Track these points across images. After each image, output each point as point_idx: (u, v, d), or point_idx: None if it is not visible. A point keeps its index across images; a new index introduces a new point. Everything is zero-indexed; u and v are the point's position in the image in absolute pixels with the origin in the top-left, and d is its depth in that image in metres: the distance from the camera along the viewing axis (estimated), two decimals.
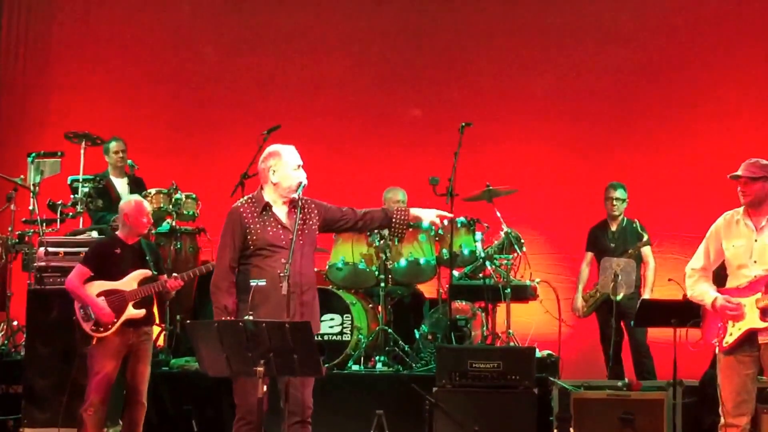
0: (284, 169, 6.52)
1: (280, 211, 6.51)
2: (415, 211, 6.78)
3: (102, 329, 7.69)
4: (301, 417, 6.37)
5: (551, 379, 8.54)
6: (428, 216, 6.79)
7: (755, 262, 6.57)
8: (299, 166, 6.54)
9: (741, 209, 6.68)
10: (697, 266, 6.74)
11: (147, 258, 7.91)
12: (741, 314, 6.50)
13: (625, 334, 9.67)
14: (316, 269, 9.44)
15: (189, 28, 12.15)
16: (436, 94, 11.64)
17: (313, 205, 6.59)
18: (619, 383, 8.50)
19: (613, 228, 9.86)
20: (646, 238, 9.67)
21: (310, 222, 6.54)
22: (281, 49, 11.92)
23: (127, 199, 8.14)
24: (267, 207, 6.50)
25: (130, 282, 7.75)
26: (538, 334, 9.66)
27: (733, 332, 6.53)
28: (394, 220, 6.76)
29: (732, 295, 6.57)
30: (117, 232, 7.98)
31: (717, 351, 6.66)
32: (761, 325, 6.48)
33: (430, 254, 9.40)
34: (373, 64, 11.78)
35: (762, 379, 6.68)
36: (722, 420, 6.57)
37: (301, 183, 6.48)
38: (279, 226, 6.46)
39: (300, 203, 6.47)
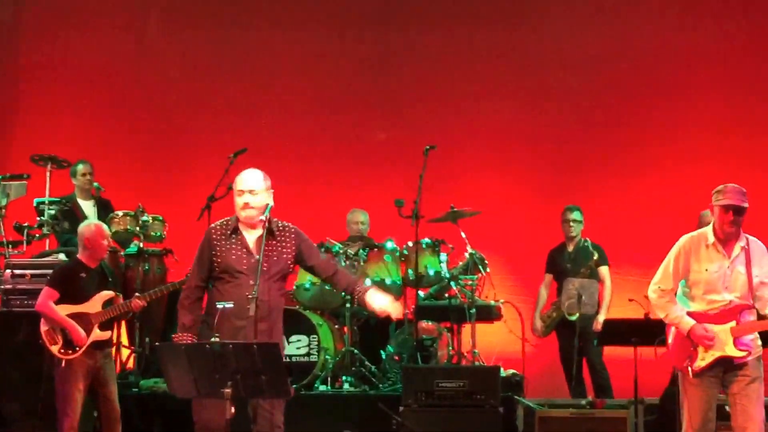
0: (234, 194, 6.59)
1: (250, 235, 6.53)
2: (369, 301, 6.62)
3: (71, 351, 7.73)
4: None
5: (516, 397, 8.66)
6: (379, 305, 6.63)
7: (726, 288, 6.65)
8: (242, 191, 6.50)
9: (707, 234, 6.71)
10: (667, 287, 6.75)
11: (110, 280, 8.00)
12: (713, 345, 6.59)
13: (585, 352, 9.74)
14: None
15: (155, 51, 12.19)
16: (401, 117, 11.75)
17: (292, 235, 6.58)
18: (583, 401, 8.64)
19: (570, 249, 9.97)
20: (596, 256, 9.76)
21: (282, 249, 6.52)
22: (247, 72, 11.98)
23: (87, 223, 8.24)
24: (236, 230, 6.55)
25: (94, 304, 7.82)
26: (503, 354, 9.73)
27: (706, 357, 6.62)
28: (353, 297, 6.72)
29: (703, 321, 6.64)
30: (78, 256, 8.04)
31: (681, 373, 6.75)
32: (737, 354, 6.60)
33: (395, 275, 9.47)
34: (339, 88, 11.86)
35: (720, 396, 6.79)
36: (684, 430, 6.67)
37: (247, 205, 6.46)
38: (244, 250, 6.48)
39: (276, 229, 6.50)
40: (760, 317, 6.71)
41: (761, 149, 11.02)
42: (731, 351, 6.59)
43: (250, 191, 6.50)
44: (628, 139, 11.35)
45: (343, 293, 8.17)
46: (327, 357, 9.34)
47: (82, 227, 8.08)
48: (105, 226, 8.14)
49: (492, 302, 9.63)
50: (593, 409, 8.46)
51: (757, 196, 10.38)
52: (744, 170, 10.64)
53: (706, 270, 6.66)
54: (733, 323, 6.62)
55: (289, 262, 6.54)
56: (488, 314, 9.58)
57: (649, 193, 11.13)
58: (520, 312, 9.83)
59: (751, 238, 6.75)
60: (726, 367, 6.65)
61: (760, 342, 6.76)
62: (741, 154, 10.98)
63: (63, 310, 7.80)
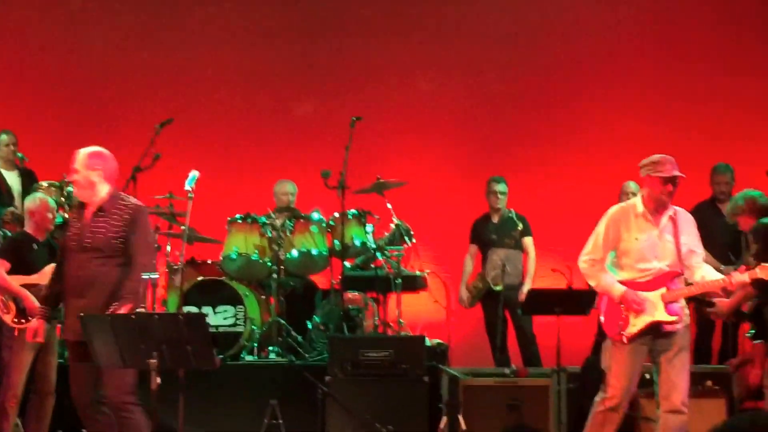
0: None
1: (89, 211, 6.58)
2: None
3: (24, 320, 7.73)
4: (118, 401, 6.41)
5: (441, 367, 8.71)
6: None
7: (656, 256, 6.83)
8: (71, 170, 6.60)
9: (636, 204, 6.89)
10: (597, 256, 6.90)
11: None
12: (643, 309, 6.75)
13: (509, 322, 9.87)
14: (210, 261, 9.64)
15: (81, 21, 12.01)
16: (327, 89, 11.70)
17: (128, 212, 6.52)
18: (507, 370, 8.72)
19: (495, 220, 10.04)
20: (521, 227, 9.87)
21: (109, 225, 6.49)
22: (174, 43, 11.87)
23: (32, 197, 8.32)
24: (82, 206, 6.62)
25: (44, 276, 7.79)
26: (428, 324, 9.80)
27: (637, 323, 6.78)
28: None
29: (635, 288, 6.80)
30: (26, 228, 8.09)
31: (611, 340, 6.90)
32: (668, 318, 6.77)
33: (322, 245, 9.47)
34: (266, 60, 11.78)
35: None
36: (609, 402, 6.83)
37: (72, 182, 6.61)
38: (78, 226, 6.55)
39: (112, 206, 6.50)
40: (688, 284, 6.90)
41: (686, 120, 11.13)
42: (662, 316, 6.77)
43: (73, 169, 6.60)
44: (553, 112, 11.43)
45: None
46: (253, 327, 9.34)
47: (28, 201, 8.20)
48: (50, 200, 8.22)
49: (417, 273, 9.67)
50: (517, 378, 8.57)
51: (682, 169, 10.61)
52: (669, 142, 10.82)
53: (636, 239, 6.83)
54: (663, 290, 6.80)
55: (112, 236, 6.46)
56: (414, 284, 9.62)
57: (573, 166, 11.24)
58: (445, 282, 9.90)
59: (677, 208, 6.93)
60: (655, 335, 6.81)
61: (687, 311, 6.94)
62: (666, 126, 11.09)
63: (16, 281, 7.84)
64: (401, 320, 9.40)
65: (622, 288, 6.82)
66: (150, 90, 11.73)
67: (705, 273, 6.87)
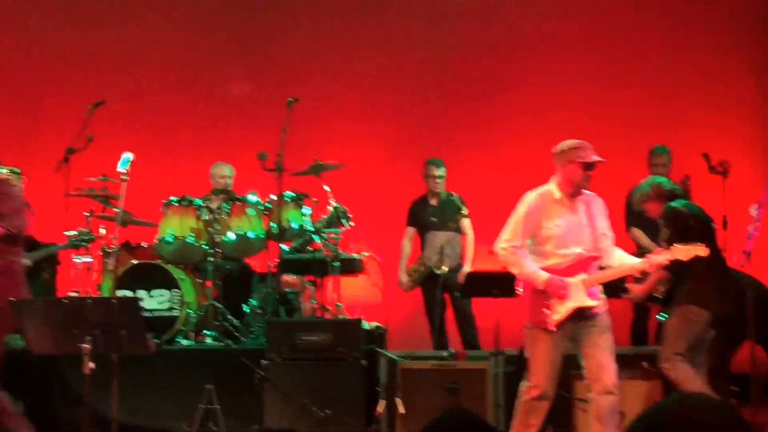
0: None
1: None
2: None
3: None
4: None
5: (378, 350, 8.69)
6: None
7: (574, 241, 6.85)
8: None
9: (552, 190, 6.89)
10: (517, 243, 6.89)
11: None
12: (568, 295, 6.77)
13: (448, 305, 9.87)
14: (145, 244, 9.53)
15: (8, 2, 11.80)
16: (264, 70, 11.60)
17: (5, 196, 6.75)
18: (445, 353, 8.73)
19: (434, 203, 10.02)
20: (465, 211, 9.88)
21: None
22: (107, 23, 11.69)
23: None
24: None
25: None
26: (366, 307, 9.77)
27: (561, 310, 6.80)
28: None
29: (556, 275, 6.80)
30: None
31: (533, 327, 6.90)
32: (591, 303, 6.81)
33: (258, 228, 9.40)
34: (201, 39, 11.65)
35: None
36: (534, 391, 6.86)
37: None
38: None
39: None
40: (601, 268, 6.95)
41: (621, 105, 11.18)
42: (586, 301, 6.79)
43: None
44: (491, 96, 11.40)
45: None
46: (189, 311, 9.26)
47: None
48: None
49: (355, 255, 9.63)
50: (455, 361, 8.56)
51: (614, 152, 10.68)
52: (603, 127, 10.87)
53: (557, 225, 6.84)
54: (583, 275, 6.82)
55: None
56: (351, 267, 9.58)
57: (510, 149, 11.25)
58: (382, 265, 9.87)
59: (589, 193, 6.98)
60: (577, 320, 6.83)
61: (603, 294, 6.98)
62: (601, 111, 11.14)
63: None
64: (339, 303, 9.38)
65: (546, 275, 6.81)
66: (84, 70, 11.54)
67: (620, 256, 6.95)
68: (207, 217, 9.35)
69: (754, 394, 7.69)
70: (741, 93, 10.92)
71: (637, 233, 9.34)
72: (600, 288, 6.94)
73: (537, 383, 6.86)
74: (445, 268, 9.51)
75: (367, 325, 9.05)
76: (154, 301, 9.21)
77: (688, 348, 7.51)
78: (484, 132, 11.28)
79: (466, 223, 9.94)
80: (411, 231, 10.12)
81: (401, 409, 8.14)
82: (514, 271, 6.98)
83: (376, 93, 11.51)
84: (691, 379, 7.40)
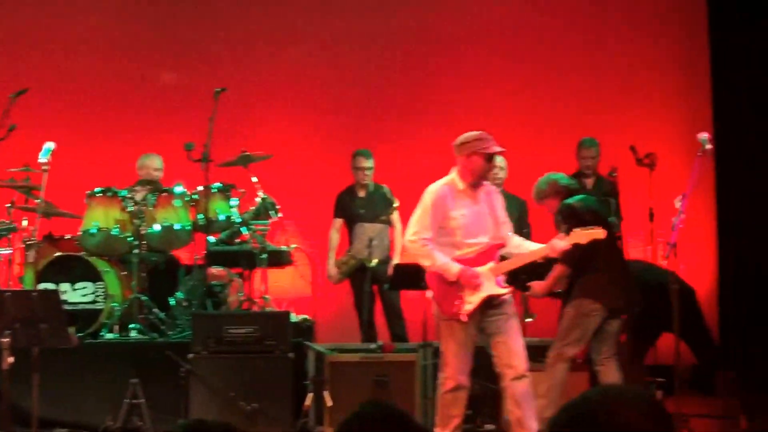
0: None
1: None
2: None
3: None
4: None
5: (306, 343, 8.62)
6: None
7: (481, 231, 6.95)
8: None
9: (456, 181, 6.98)
10: (427, 235, 6.93)
11: None
12: (481, 284, 6.85)
13: (377, 298, 9.83)
14: (69, 236, 9.37)
15: None
16: (192, 59, 11.45)
17: None
18: (373, 346, 8.67)
19: (362, 194, 9.95)
20: (396, 204, 9.83)
21: None
22: (31, 10, 11.48)
23: None
24: None
25: None
26: (294, 299, 9.71)
27: (472, 300, 6.86)
28: None
29: (465, 265, 6.88)
30: None
31: (445, 319, 6.96)
32: (500, 291, 6.92)
33: (185, 220, 9.25)
34: (126, 28, 11.46)
35: None
36: (451, 382, 6.92)
37: None
38: None
39: None
40: (503, 257, 7.08)
41: (552, 94, 11.18)
42: (495, 290, 6.90)
43: None
44: (420, 86, 11.36)
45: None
46: (114, 304, 9.11)
47: None
48: None
49: (283, 247, 9.54)
50: (383, 354, 8.53)
51: (543, 144, 10.73)
52: (534, 117, 10.90)
53: (462, 215, 6.92)
54: (491, 263, 6.93)
55: None
56: (279, 260, 9.49)
57: (438, 139, 11.15)
58: (311, 257, 9.80)
59: (486, 182, 7.12)
60: (485, 309, 6.91)
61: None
62: (531, 100, 11.15)
63: None
64: (266, 296, 9.28)
65: (459, 266, 6.88)
66: (6, 57, 11.31)
67: (521, 243, 7.11)
68: (132, 209, 9.20)
69: (678, 385, 7.74)
70: (667, 85, 11.00)
71: None
72: (504, 276, 7.05)
73: (452, 374, 6.92)
74: (374, 261, 9.45)
75: (295, 317, 8.97)
76: (77, 294, 9.05)
77: (579, 339, 7.62)
78: (412, 123, 11.23)
79: (395, 216, 9.89)
80: (338, 222, 10.04)
81: (329, 403, 8.09)
82: (425, 263, 7.02)
83: (305, 83, 11.41)
84: (556, 386, 7.54)
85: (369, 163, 9.91)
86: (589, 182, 9.63)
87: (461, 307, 6.86)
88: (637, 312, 7.81)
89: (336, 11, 11.51)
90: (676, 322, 7.43)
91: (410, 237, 7.00)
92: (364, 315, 9.54)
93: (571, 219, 7.55)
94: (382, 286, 9.64)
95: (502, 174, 9.67)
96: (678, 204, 7.55)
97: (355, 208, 9.92)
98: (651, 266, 7.92)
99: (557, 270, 7.61)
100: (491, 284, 6.90)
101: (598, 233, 6.89)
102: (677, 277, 7.75)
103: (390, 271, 9.50)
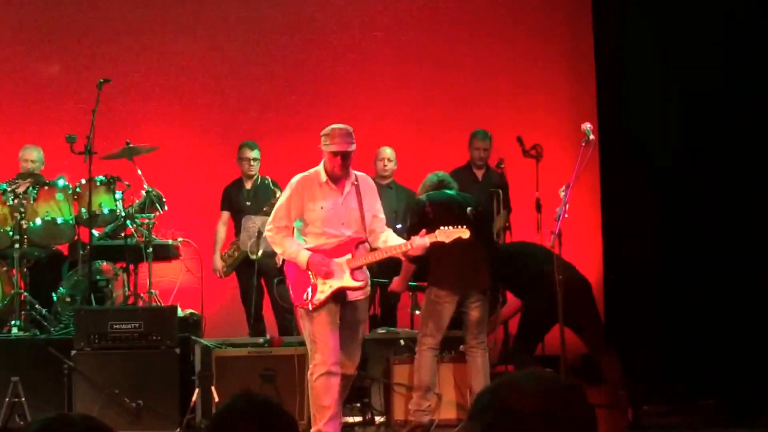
0: None
1: None
2: None
3: None
4: None
5: (193, 338, 8.53)
6: None
7: (342, 224, 7.00)
8: None
9: (320, 173, 7.01)
10: (282, 224, 7.04)
11: None
12: (331, 272, 6.89)
13: (265, 291, 9.72)
14: None
15: None
16: (74, 48, 11.13)
17: None
18: (261, 340, 8.59)
19: (248, 186, 9.84)
20: (279, 194, 9.72)
21: None
22: None
23: None
24: None
25: None
26: (181, 294, 9.56)
27: (324, 290, 6.91)
28: None
29: (321, 255, 6.94)
30: None
31: (302, 310, 7.04)
32: (354, 284, 6.97)
33: (68, 213, 9.07)
34: (7, 16, 11.11)
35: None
36: (321, 367, 6.91)
37: None
38: None
39: None
40: (373, 250, 7.10)
41: (442, 86, 11.09)
42: (348, 282, 6.94)
43: None
44: (312, 78, 11.20)
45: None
46: None
47: None
48: None
49: (170, 241, 9.44)
50: (271, 348, 8.45)
51: (437, 135, 10.70)
52: (425, 108, 10.87)
53: (321, 207, 6.98)
54: (349, 256, 6.97)
55: None
56: (166, 253, 9.41)
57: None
58: (198, 251, 9.66)
59: (360, 174, 7.18)
60: (342, 303, 6.99)
61: (369, 284, 7.21)
62: (422, 92, 11.09)
63: None
64: (153, 291, 9.14)
65: (308, 253, 6.93)
66: None
67: (387, 238, 7.10)
68: (13, 202, 8.97)
69: (566, 376, 7.77)
70: (553, 77, 11.03)
71: None
72: (367, 276, 7.11)
73: (323, 360, 6.90)
74: (260, 254, 9.33)
75: (181, 312, 8.86)
76: None
77: (436, 328, 7.80)
78: (300, 115, 11.08)
79: None
80: (225, 215, 9.91)
81: (216, 398, 7.99)
82: (278, 251, 7.23)
83: (191, 74, 11.17)
84: (423, 369, 7.77)
85: (255, 153, 9.79)
86: (479, 174, 9.68)
87: (312, 296, 6.91)
88: (489, 293, 8.00)
89: (219, 2, 11.32)
90: (560, 312, 7.44)
91: (267, 226, 7.14)
92: (251, 309, 9.42)
93: (412, 213, 7.94)
94: (270, 278, 9.53)
95: (390, 166, 9.67)
96: (562, 194, 7.59)
97: (242, 200, 9.80)
98: (552, 257, 7.87)
99: (408, 266, 7.87)
100: (345, 276, 6.92)
101: (463, 233, 7.00)
102: (566, 266, 7.78)
103: (278, 263, 9.40)
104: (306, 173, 7.10)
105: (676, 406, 8.75)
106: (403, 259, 7.56)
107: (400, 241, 7.09)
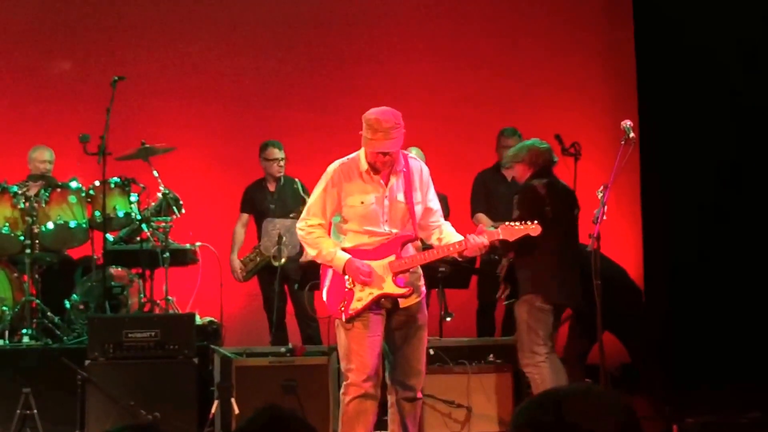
0: None
1: None
2: None
3: None
4: None
5: (212, 347, 8.31)
6: None
7: (387, 221, 6.10)
8: None
9: (360, 160, 6.10)
10: (316, 222, 6.15)
11: None
12: (372, 279, 6.04)
13: (288, 298, 9.46)
14: None
15: None
16: (87, 46, 10.98)
17: None
18: (283, 349, 8.31)
19: (272, 189, 9.55)
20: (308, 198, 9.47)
21: None
22: None
23: None
24: None
25: None
26: (200, 301, 9.31)
27: (362, 297, 6.05)
28: None
29: (361, 257, 6.06)
30: None
31: (338, 320, 6.18)
32: (397, 291, 6.07)
33: (81, 217, 8.91)
34: (18, 14, 10.93)
35: None
36: (356, 390, 6.12)
37: None
38: None
39: None
40: (426, 247, 6.32)
41: (470, 87, 10.89)
42: (390, 288, 6.05)
43: None
44: (328, 76, 11.00)
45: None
46: (4, 308, 8.75)
47: None
48: None
49: (187, 246, 9.19)
50: (293, 357, 8.18)
51: (464, 133, 10.47)
52: (450, 109, 10.62)
53: (362, 203, 6.06)
54: (392, 257, 6.08)
55: None
56: (183, 258, 9.17)
57: (348, 132, 10.80)
58: (217, 256, 9.39)
59: (410, 156, 6.25)
60: (392, 310, 6.13)
61: (423, 282, 6.33)
62: (448, 93, 10.85)
63: None
64: (170, 297, 8.92)
65: (346, 256, 6.01)
66: None
67: (443, 235, 6.17)
68: (24, 206, 8.80)
69: (603, 385, 7.48)
70: (591, 72, 10.85)
71: (482, 219, 9.04)
72: (419, 274, 6.26)
73: (357, 380, 6.09)
74: (282, 259, 9.01)
75: (200, 320, 8.65)
76: None
77: (547, 335, 7.27)
78: (323, 113, 10.87)
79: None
80: (245, 217, 9.65)
81: (236, 410, 7.75)
82: (312, 253, 6.20)
83: (207, 73, 11.01)
84: (548, 382, 7.10)
85: (282, 154, 9.52)
86: (508, 174, 9.28)
87: (348, 304, 6.04)
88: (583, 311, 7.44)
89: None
90: (599, 320, 7.09)
91: (299, 224, 6.25)
92: (274, 316, 9.16)
93: (523, 205, 7.14)
94: (293, 284, 9.27)
95: None
96: (600, 195, 7.23)
97: (266, 202, 9.53)
98: (603, 260, 7.50)
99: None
100: (387, 282, 6.03)
101: (532, 229, 6.24)
102: (616, 270, 7.49)
103: (303, 260, 9.10)
104: (344, 160, 6.12)
105: (721, 419, 8.41)
106: (459, 259, 6.57)
107: (455, 238, 6.12)
